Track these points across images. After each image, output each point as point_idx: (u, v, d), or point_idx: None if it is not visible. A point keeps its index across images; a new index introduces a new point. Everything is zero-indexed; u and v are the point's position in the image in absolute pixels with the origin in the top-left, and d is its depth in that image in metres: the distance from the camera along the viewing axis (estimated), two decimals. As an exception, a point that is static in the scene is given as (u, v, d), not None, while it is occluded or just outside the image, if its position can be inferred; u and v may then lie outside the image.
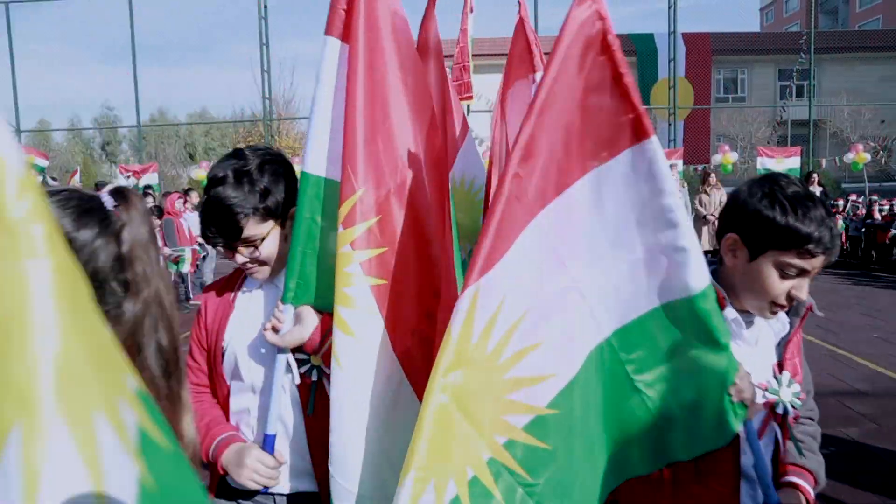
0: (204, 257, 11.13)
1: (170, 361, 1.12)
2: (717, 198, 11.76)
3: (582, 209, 1.51)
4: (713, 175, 12.16)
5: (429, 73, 2.42)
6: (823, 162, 18.66)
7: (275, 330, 1.75)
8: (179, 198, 10.06)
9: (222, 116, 40.97)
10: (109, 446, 0.65)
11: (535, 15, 17.01)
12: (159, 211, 9.47)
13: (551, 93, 1.39)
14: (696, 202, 11.83)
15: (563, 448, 1.47)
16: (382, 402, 1.74)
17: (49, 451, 0.60)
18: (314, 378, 1.82)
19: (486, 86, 18.90)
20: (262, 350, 1.83)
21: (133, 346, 1.03)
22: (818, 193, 13.19)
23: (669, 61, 17.69)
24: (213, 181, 1.76)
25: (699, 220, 11.67)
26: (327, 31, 1.86)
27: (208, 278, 11.45)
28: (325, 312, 1.78)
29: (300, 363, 1.79)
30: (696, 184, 12.20)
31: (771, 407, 1.75)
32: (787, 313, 1.77)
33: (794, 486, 1.82)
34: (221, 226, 1.75)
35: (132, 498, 0.67)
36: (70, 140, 46.95)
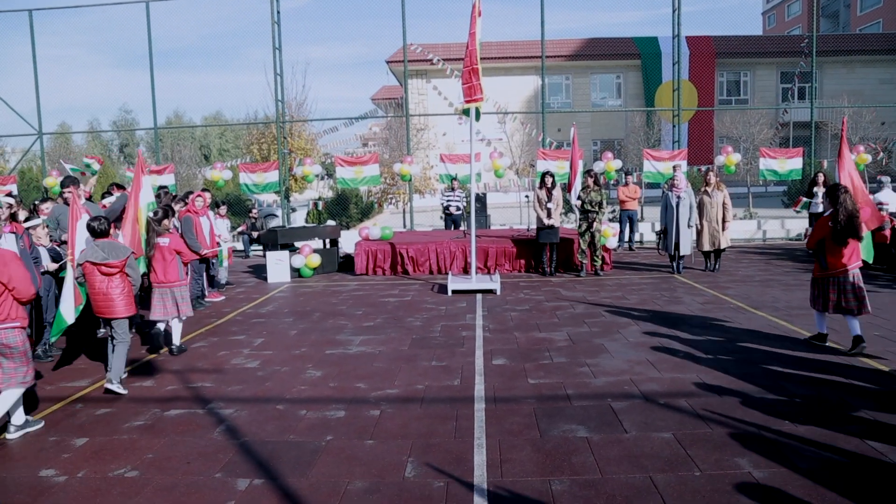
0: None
1: None
2: (718, 198, 11.80)
3: None
4: (712, 175, 12.11)
5: None
6: (825, 163, 18.93)
7: None
8: (198, 196, 10.32)
9: (236, 119, 41.39)
10: None
11: (542, 18, 17.35)
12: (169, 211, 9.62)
13: None
14: (698, 203, 11.87)
15: None
16: None
17: None
18: None
19: (494, 88, 19.31)
20: None
21: None
22: (821, 194, 13.44)
23: (673, 64, 18.00)
24: None
25: (702, 220, 11.87)
26: None
27: (223, 276, 11.83)
28: None
29: None
30: (700, 183, 12.42)
31: None
32: None
33: None
34: None
35: None
36: (89, 142, 47.46)
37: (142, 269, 7.08)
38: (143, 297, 8.52)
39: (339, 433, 4.88)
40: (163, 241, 7.27)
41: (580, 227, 11.88)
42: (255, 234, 17.29)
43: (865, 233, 7.16)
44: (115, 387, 5.98)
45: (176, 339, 7.46)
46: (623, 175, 16.36)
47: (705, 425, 4.79)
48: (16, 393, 5.04)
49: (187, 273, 7.69)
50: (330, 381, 6.22)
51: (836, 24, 53.37)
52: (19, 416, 5.12)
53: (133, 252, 6.42)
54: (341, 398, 5.70)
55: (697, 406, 5.19)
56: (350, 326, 8.52)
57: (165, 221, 7.36)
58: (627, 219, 15.89)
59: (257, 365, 6.86)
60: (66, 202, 8.26)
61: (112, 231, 6.41)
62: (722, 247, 11.87)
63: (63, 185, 7.45)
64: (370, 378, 6.25)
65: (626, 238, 16.00)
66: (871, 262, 7.66)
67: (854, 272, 6.65)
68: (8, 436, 5.04)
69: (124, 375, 6.25)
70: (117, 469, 4.38)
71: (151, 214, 7.40)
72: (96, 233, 6.15)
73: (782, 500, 3.69)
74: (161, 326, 7.45)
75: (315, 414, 5.31)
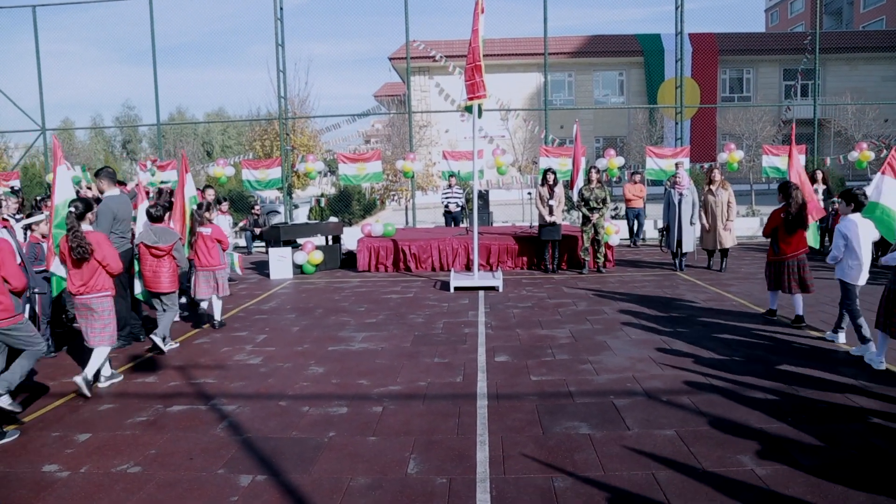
0: None
1: None
2: (723, 197, 11.53)
3: None
4: (717, 172, 11.86)
5: None
6: (828, 160, 18.89)
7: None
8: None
9: (239, 115, 41.50)
10: None
11: (545, 15, 17.33)
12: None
13: None
14: (703, 202, 11.71)
15: None
16: None
17: None
18: None
19: (497, 86, 19.29)
20: None
21: None
22: (821, 191, 13.44)
23: (676, 61, 17.95)
24: None
25: (707, 219, 11.67)
26: None
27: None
28: None
29: None
30: (703, 180, 12.36)
31: None
32: None
33: None
34: None
35: None
36: (92, 138, 47.50)
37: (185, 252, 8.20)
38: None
39: (341, 430, 4.89)
40: (205, 230, 8.23)
41: (583, 223, 11.87)
42: (257, 231, 17.32)
43: (812, 223, 8.43)
44: (158, 341, 7.13)
45: (217, 315, 8.51)
46: (630, 174, 16.39)
47: (708, 422, 4.79)
48: (105, 350, 6.03)
49: (226, 257, 8.81)
50: (332, 377, 6.23)
51: (839, 22, 53.24)
52: (107, 369, 6.27)
53: (181, 238, 7.62)
54: (344, 395, 5.70)
55: (700, 403, 5.19)
56: (352, 323, 8.53)
57: (207, 214, 8.37)
58: (634, 217, 15.94)
59: (260, 361, 6.87)
60: (76, 193, 8.52)
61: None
62: (727, 246, 11.79)
63: (97, 174, 7.60)
64: (372, 375, 6.26)
65: (632, 235, 16.08)
66: (817, 247, 9.52)
67: (801, 257, 7.71)
68: (100, 384, 6.14)
69: (174, 344, 7.53)
70: (120, 465, 4.39)
71: (195, 207, 8.50)
72: (152, 217, 7.24)
73: (785, 497, 3.69)
74: (204, 305, 8.79)
75: (317, 410, 5.32)
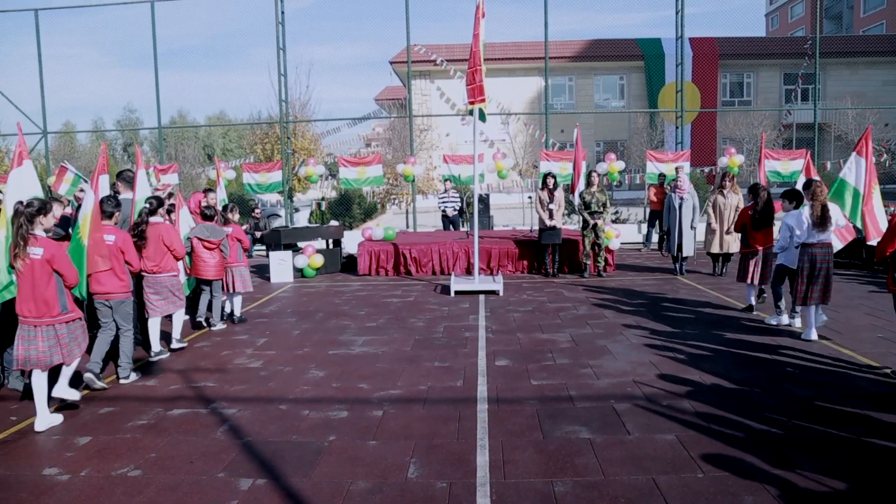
0: None
1: None
2: (733, 200, 11.37)
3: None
4: (730, 175, 11.62)
5: None
6: (828, 164, 18.93)
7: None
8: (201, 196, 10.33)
9: (240, 119, 41.62)
10: None
11: (546, 19, 17.36)
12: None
13: None
14: (709, 205, 11.62)
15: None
16: None
17: None
18: None
19: (497, 90, 19.34)
20: None
21: None
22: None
23: (677, 65, 17.99)
24: None
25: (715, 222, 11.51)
26: None
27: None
28: None
29: None
30: (703, 185, 12.36)
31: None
32: None
33: None
34: None
35: None
36: (93, 141, 47.56)
37: None
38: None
39: (341, 433, 4.89)
40: (226, 229, 8.93)
41: (584, 227, 11.86)
42: (258, 234, 17.29)
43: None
44: (217, 326, 8.66)
45: (237, 311, 9.21)
46: (658, 176, 16.29)
47: (708, 427, 4.79)
48: (181, 314, 7.47)
49: (245, 256, 9.58)
50: (333, 381, 6.23)
51: (839, 26, 53.31)
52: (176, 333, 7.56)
53: (227, 235, 8.74)
54: (344, 398, 5.71)
55: (700, 407, 5.19)
56: (353, 327, 8.53)
57: (229, 215, 9.15)
58: (656, 220, 15.84)
59: (260, 365, 6.87)
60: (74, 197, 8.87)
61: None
62: (733, 250, 11.69)
63: (116, 176, 7.66)
64: (373, 378, 6.26)
65: (654, 238, 16.10)
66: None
67: (768, 251, 8.69)
68: (173, 346, 7.49)
69: (221, 325, 8.74)
70: (120, 468, 4.39)
71: (220, 209, 9.31)
72: (205, 216, 8.61)
73: (785, 501, 3.69)
74: (226, 302, 9.23)
75: (318, 414, 5.32)
